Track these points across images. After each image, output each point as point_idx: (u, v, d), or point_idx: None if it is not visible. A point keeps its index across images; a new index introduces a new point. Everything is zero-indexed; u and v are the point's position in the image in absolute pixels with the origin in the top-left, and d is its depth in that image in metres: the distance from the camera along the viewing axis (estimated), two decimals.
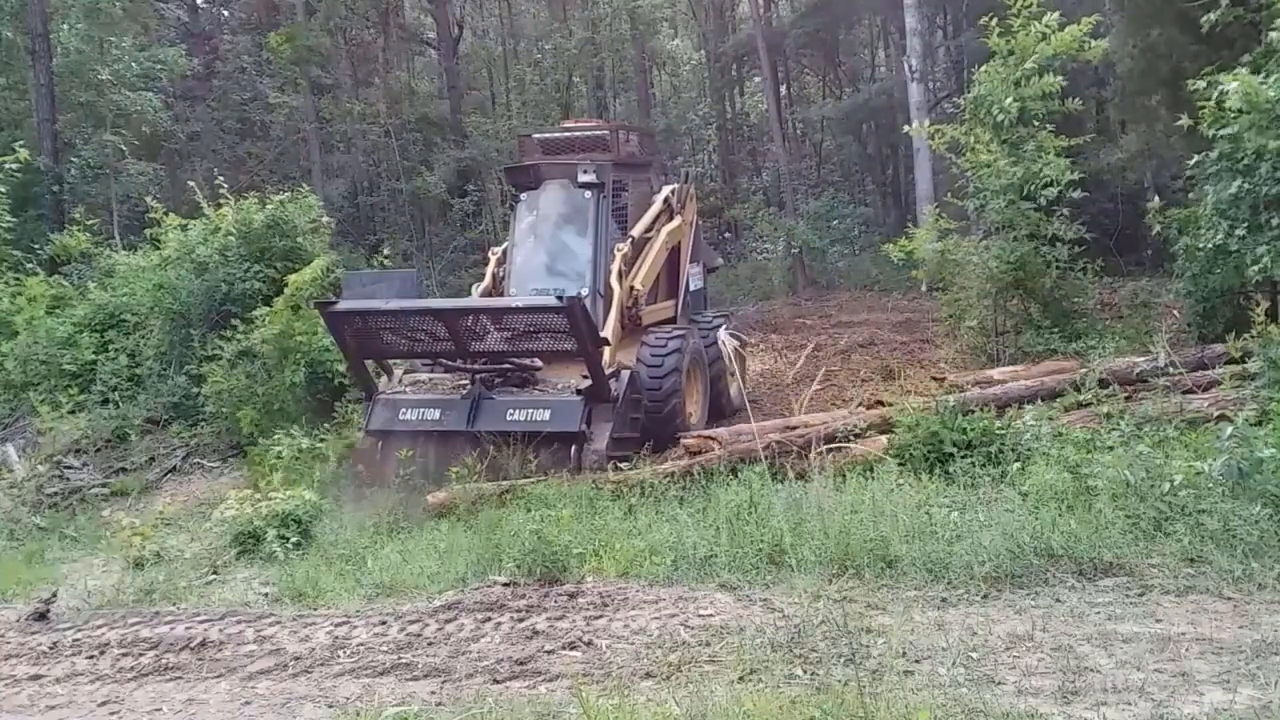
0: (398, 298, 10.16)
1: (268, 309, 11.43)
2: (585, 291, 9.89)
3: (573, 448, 8.89)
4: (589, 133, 11.39)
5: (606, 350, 9.35)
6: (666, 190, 11.60)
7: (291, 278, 11.36)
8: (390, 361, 10.06)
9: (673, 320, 11.38)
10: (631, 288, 10.33)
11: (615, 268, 10.21)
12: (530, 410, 9.05)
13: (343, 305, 9.46)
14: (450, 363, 9.76)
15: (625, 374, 9.42)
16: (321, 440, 10.41)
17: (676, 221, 11.45)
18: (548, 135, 11.63)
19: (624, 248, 10.38)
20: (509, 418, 9.01)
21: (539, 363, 9.62)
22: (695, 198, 12.67)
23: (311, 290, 11.35)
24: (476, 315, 9.40)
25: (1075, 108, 11.45)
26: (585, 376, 9.11)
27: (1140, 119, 14.11)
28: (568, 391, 9.25)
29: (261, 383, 11.17)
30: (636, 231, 10.78)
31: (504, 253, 11.03)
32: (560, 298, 8.75)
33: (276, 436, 10.39)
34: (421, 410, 9.33)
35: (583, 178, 10.41)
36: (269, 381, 11.16)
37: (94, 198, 19.94)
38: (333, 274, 12.00)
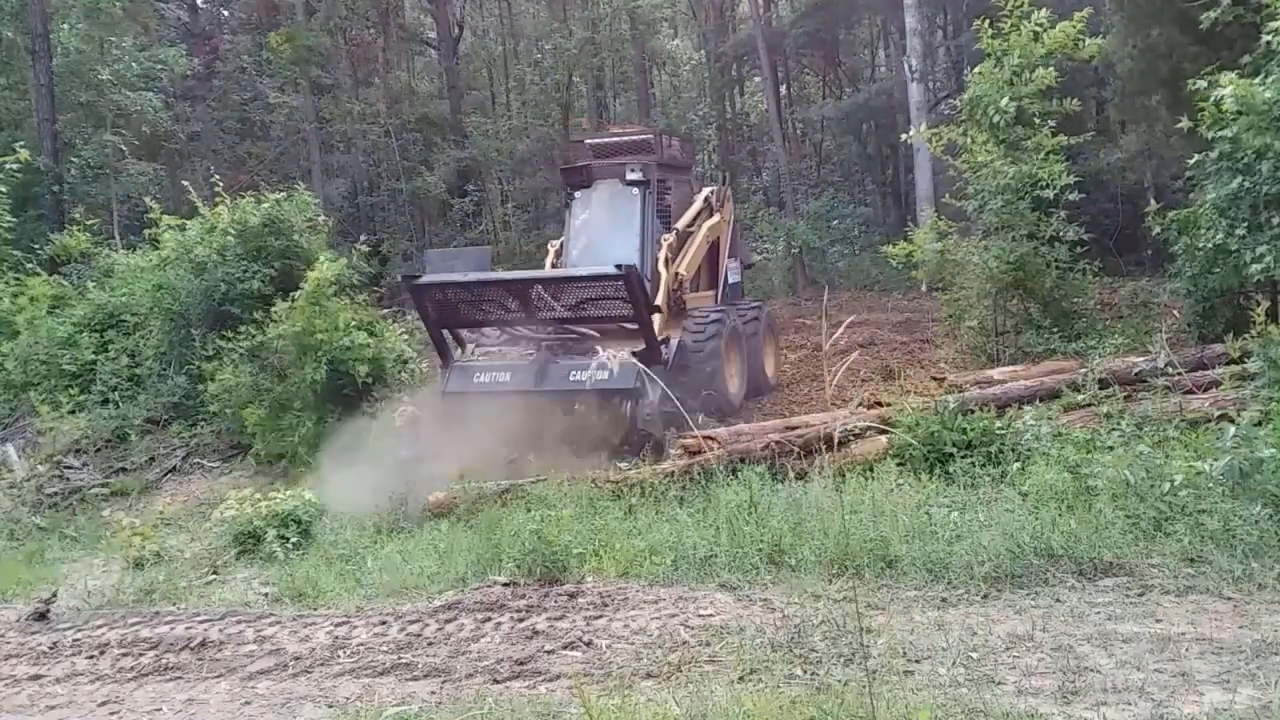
0: (474, 272, 10.98)
1: (285, 305, 11.29)
2: None
3: (628, 403, 9.73)
4: (635, 137, 12.46)
5: (657, 320, 10.30)
6: (707, 190, 12.80)
7: (312, 274, 11.26)
8: (464, 333, 10.91)
9: None
10: (676, 274, 11.28)
11: (661, 255, 11.19)
12: (592, 371, 9.75)
13: (425, 279, 10.30)
14: (518, 330, 10.60)
15: (674, 342, 10.51)
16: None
17: (715, 218, 12.57)
18: (598, 140, 12.79)
19: (669, 238, 11.39)
20: (571, 378, 9.81)
21: (596, 334, 10.42)
22: (732, 199, 13.71)
23: (333, 288, 11.41)
24: (544, 285, 10.25)
25: (1073, 108, 11.46)
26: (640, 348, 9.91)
27: (1140, 119, 14.09)
28: (623, 354, 9.79)
29: (274, 380, 11.14)
30: (680, 225, 11.81)
31: (561, 245, 12.07)
32: (619, 266, 9.57)
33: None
34: (493, 374, 10.19)
35: (630, 176, 11.46)
36: (283, 380, 11.13)
37: (94, 198, 19.93)
38: (350, 274, 12.05)
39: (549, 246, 12.46)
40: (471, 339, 10.91)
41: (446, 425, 9.72)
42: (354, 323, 11.36)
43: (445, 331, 10.58)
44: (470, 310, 10.56)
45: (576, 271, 10.78)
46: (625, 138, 12.44)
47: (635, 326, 9.86)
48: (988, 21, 11.41)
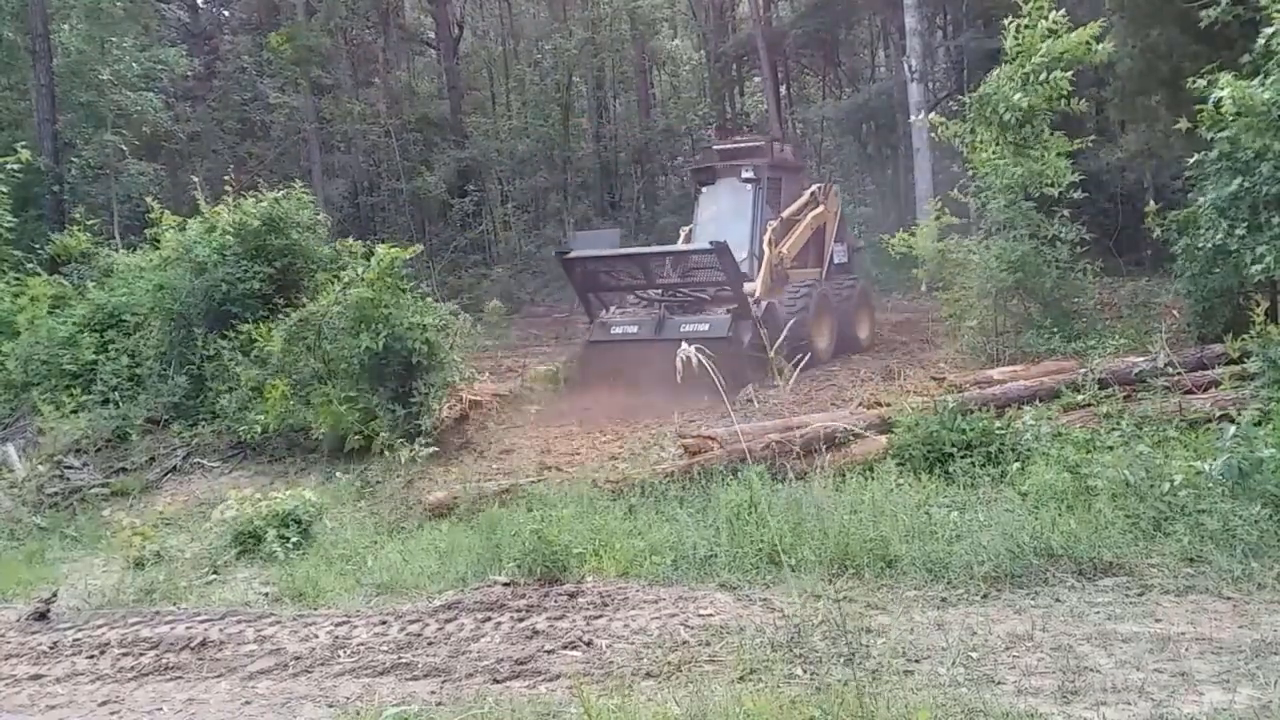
0: (609, 248, 13.86)
1: (350, 275, 11.16)
2: (744, 255, 13.16)
3: (722, 350, 11.42)
4: (751, 143, 15.42)
5: (757, 289, 12.89)
6: (814, 186, 15.30)
7: (393, 250, 11.17)
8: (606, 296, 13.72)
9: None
10: (780, 252, 13.66)
11: (766, 238, 13.56)
12: (697, 324, 12.52)
13: (573, 254, 13.38)
14: (648, 294, 13.49)
15: (764, 304, 12.77)
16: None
17: (820, 209, 14.94)
18: (723, 146, 15.63)
19: (774, 224, 13.80)
20: (682, 330, 12.22)
21: (706, 296, 13.21)
22: (837, 194, 16.28)
23: (402, 266, 11.37)
24: (661, 259, 13.77)
25: (1081, 108, 11.43)
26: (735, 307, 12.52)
27: (1140, 119, 14.10)
28: (722, 311, 12.69)
29: (329, 342, 11.13)
30: (785, 214, 14.24)
31: (689, 231, 14.75)
32: (711, 243, 12.26)
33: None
34: (624, 327, 13.07)
35: (744, 175, 14.13)
36: (333, 343, 11.07)
37: (94, 198, 19.92)
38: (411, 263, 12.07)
39: (680, 231, 15.26)
40: (612, 301, 13.65)
41: (590, 363, 12.66)
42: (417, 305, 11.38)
43: (590, 295, 13.47)
44: (607, 278, 13.54)
45: (683, 247, 14.01)
46: (744, 144, 15.36)
47: (729, 291, 12.40)
48: (1012, 22, 11.31)
